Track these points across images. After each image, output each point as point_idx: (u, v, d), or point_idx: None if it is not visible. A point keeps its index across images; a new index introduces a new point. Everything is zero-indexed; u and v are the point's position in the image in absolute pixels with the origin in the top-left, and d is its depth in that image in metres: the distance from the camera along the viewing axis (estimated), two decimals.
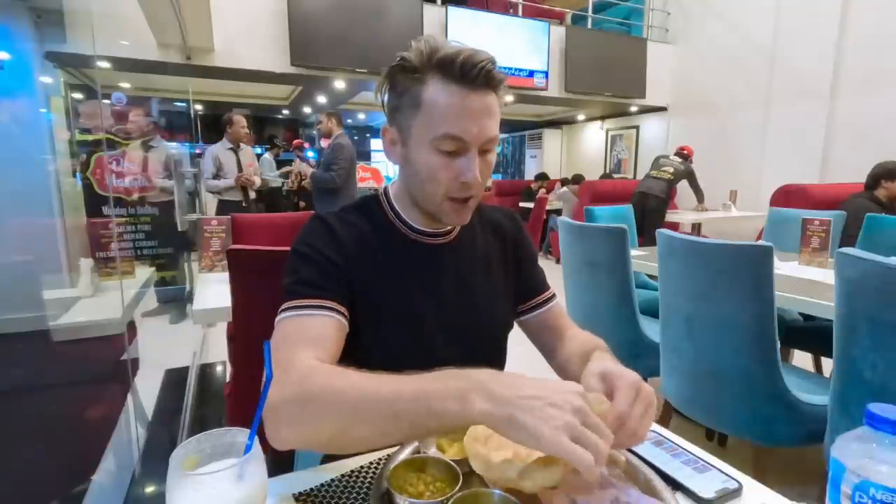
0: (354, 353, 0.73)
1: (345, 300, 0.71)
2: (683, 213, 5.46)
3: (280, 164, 6.74)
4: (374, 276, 0.75)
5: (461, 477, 0.53)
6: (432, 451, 0.59)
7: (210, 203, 3.88)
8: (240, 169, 3.84)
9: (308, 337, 0.64)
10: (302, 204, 6.25)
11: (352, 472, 0.62)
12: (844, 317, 1.13)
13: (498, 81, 0.70)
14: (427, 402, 0.50)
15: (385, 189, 0.84)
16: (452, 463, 0.55)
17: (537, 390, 0.48)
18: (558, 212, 6.51)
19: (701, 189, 5.04)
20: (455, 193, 0.73)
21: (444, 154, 0.70)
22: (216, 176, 3.77)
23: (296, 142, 6.08)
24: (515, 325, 0.90)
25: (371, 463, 0.64)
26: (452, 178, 0.71)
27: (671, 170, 4.69)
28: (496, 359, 0.86)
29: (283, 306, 0.68)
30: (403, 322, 0.76)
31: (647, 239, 3.05)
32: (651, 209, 4.51)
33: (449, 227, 0.82)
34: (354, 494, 0.56)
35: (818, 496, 1.15)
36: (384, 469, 0.57)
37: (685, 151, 4.99)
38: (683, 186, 5.00)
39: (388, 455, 0.61)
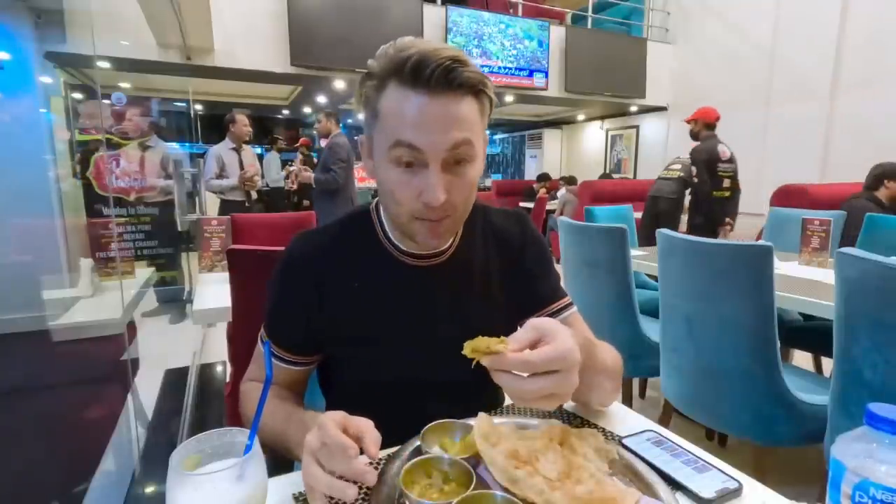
0: (350, 375, 0.76)
1: (299, 346, 0.75)
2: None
3: (282, 162, 6.75)
4: (355, 307, 0.72)
5: (475, 478, 0.52)
6: (434, 450, 0.59)
7: (211, 203, 3.89)
8: (242, 169, 3.85)
9: (259, 365, 0.81)
10: (306, 203, 6.26)
11: None
12: (844, 317, 1.13)
13: (465, 82, 0.60)
14: (287, 445, 0.65)
15: (377, 203, 0.76)
16: (465, 464, 0.54)
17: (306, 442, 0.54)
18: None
19: None
20: (420, 214, 0.64)
21: (402, 168, 0.62)
22: (220, 176, 3.78)
23: (302, 140, 6.10)
24: None
25: (370, 464, 0.63)
26: (413, 196, 0.62)
27: (678, 167, 4.26)
28: None
29: (261, 330, 0.76)
30: (391, 350, 0.73)
31: None
32: (663, 212, 4.15)
33: (443, 247, 0.74)
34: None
35: (818, 496, 1.15)
36: (386, 469, 0.57)
37: None
38: None
39: (389, 455, 0.61)
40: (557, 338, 0.52)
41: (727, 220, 3.56)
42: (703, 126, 3.74)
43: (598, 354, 0.70)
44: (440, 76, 0.58)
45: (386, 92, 0.62)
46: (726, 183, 3.59)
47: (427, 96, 0.59)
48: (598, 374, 0.69)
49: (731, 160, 3.64)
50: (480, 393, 0.75)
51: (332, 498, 0.50)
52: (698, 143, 3.71)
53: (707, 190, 3.57)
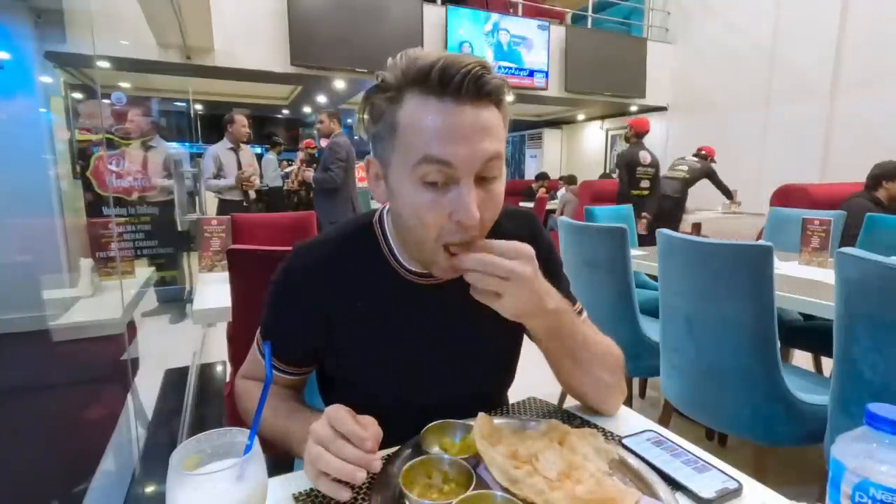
0: (349, 389, 0.75)
1: (296, 360, 0.74)
2: (701, 214, 5.25)
3: (280, 162, 6.75)
4: (357, 325, 0.70)
5: (474, 478, 0.53)
6: (434, 450, 0.59)
7: (210, 203, 3.89)
8: (240, 168, 3.85)
9: (255, 368, 0.80)
10: (307, 194, 6.28)
11: None
12: (844, 317, 1.13)
13: (493, 89, 0.57)
14: (289, 442, 0.66)
15: (381, 216, 0.72)
16: (466, 464, 0.55)
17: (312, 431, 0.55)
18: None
19: (726, 186, 4.80)
20: (450, 237, 0.59)
21: (430, 187, 0.56)
22: (217, 176, 3.78)
23: (306, 142, 6.14)
24: None
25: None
26: (443, 217, 0.57)
27: (685, 168, 4.42)
28: (507, 377, 0.82)
29: (258, 331, 0.76)
30: (393, 369, 0.72)
31: None
32: (664, 210, 4.26)
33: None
34: (353, 494, 0.56)
35: (818, 496, 1.15)
36: (386, 469, 0.57)
37: (703, 152, 4.73)
38: (699, 189, 4.66)
39: (388, 455, 0.61)
40: (530, 263, 0.58)
41: (644, 213, 4.01)
42: (634, 134, 4.21)
43: (584, 330, 0.70)
44: (470, 83, 0.54)
45: (404, 103, 0.57)
46: (644, 183, 4.12)
47: (455, 104, 0.55)
48: (582, 350, 0.69)
49: (651, 164, 4.12)
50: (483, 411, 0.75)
51: (338, 481, 0.52)
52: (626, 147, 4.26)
53: (626, 189, 4.12)
